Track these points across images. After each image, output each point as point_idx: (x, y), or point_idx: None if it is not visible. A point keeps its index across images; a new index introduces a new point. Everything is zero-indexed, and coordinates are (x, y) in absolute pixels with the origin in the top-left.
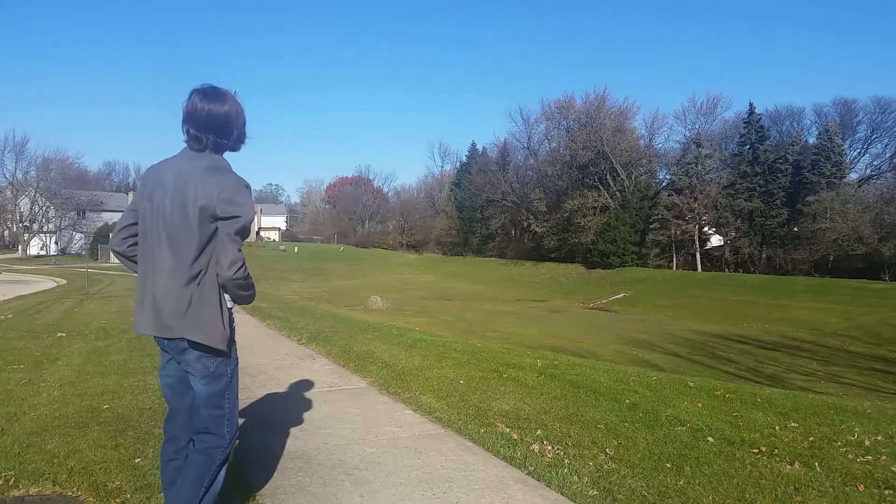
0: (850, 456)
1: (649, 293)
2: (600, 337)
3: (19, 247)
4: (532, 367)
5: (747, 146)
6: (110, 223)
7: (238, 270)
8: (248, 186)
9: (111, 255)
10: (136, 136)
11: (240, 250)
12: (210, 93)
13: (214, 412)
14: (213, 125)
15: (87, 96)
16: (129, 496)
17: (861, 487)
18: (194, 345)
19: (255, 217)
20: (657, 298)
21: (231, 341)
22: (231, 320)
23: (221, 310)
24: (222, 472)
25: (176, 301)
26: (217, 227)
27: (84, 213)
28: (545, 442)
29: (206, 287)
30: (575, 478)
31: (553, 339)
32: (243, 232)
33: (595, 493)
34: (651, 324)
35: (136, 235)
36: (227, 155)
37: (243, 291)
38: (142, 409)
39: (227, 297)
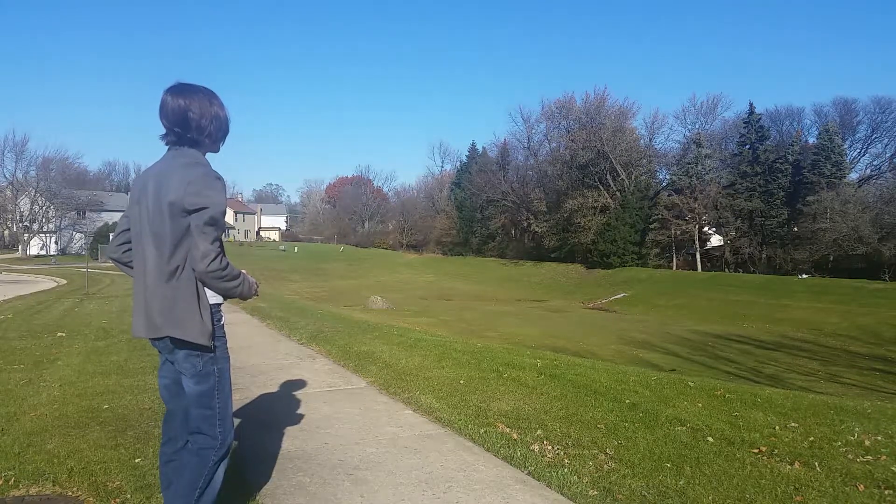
0: (850, 456)
1: (649, 293)
2: (600, 337)
3: (19, 247)
4: (532, 367)
5: (747, 146)
6: (110, 223)
7: (210, 263)
8: (218, 178)
9: None
10: (136, 136)
11: (214, 242)
12: (174, 87)
13: (205, 412)
14: (173, 119)
15: (87, 96)
16: (129, 496)
17: (861, 487)
18: (176, 342)
19: (227, 209)
20: (657, 298)
21: (213, 336)
22: (214, 316)
23: (199, 304)
24: (220, 472)
25: (160, 300)
26: (190, 222)
27: (84, 213)
28: (545, 442)
29: (184, 283)
30: (575, 478)
31: (553, 339)
32: (214, 223)
33: (595, 493)
34: (651, 324)
35: (130, 241)
36: (223, 155)
37: (224, 283)
38: (142, 409)
39: (209, 292)
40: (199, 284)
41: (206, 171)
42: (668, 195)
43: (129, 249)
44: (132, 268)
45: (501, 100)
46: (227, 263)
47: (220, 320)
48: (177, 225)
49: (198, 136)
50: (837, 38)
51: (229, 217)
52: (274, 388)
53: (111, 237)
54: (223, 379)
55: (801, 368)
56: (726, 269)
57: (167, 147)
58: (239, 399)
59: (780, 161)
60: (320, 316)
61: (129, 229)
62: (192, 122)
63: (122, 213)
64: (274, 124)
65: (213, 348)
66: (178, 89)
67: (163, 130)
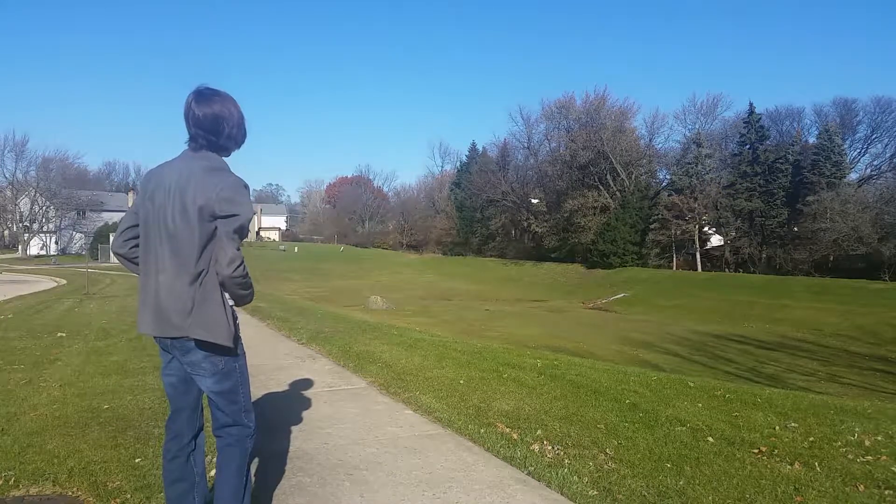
0: (850, 456)
1: (649, 293)
2: (600, 337)
3: (19, 247)
4: (532, 367)
5: (747, 146)
6: (110, 223)
7: (237, 268)
8: (246, 186)
9: (111, 255)
10: (136, 136)
11: (238, 249)
12: (204, 94)
13: (233, 406)
14: (203, 124)
15: (87, 96)
16: (129, 496)
17: (861, 487)
18: (201, 344)
19: (254, 217)
20: (657, 298)
21: (237, 338)
22: (234, 317)
23: (225, 308)
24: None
25: (181, 301)
26: (216, 227)
27: (84, 213)
28: (545, 442)
29: (208, 286)
30: (575, 478)
31: (553, 339)
32: (241, 231)
33: (595, 493)
34: (651, 324)
35: (137, 237)
36: (229, 154)
37: (242, 290)
38: (142, 409)
39: (227, 295)
40: (222, 289)
41: (236, 179)
42: (669, 195)
43: (136, 246)
44: (137, 264)
45: (501, 100)
46: (247, 271)
47: (236, 320)
48: (204, 229)
49: (226, 143)
50: (837, 38)
51: None
52: (274, 388)
53: (115, 233)
54: (244, 374)
55: (801, 368)
56: (726, 269)
57: (187, 147)
58: None
59: (780, 161)
60: (320, 316)
61: (136, 225)
62: (224, 130)
63: (124, 212)
64: (274, 124)
65: (235, 348)
66: (206, 95)
67: (178, 134)
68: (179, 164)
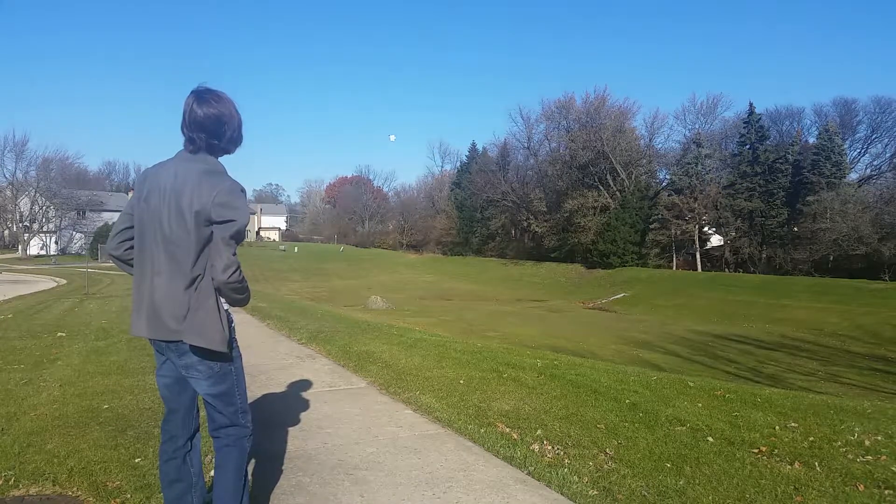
0: (850, 456)
1: (649, 293)
2: (600, 337)
3: (19, 247)
4: (532, 367)
5: (747, 146)
6: (110, 223)
7: (233, 274)
8: (242, 190)
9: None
10: (136, 136)
11: (234, 254)
12: (204, 94)
13: (229, 408)
14: (205, 126)
15: (87, 96)
16: (129, 496)
17: (861, 487)
18: (195, 348)
19: (250, 220)
20: (657, 298)
21: (231, 341)
22: (229, 321)
23: (219, 312)
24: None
25: (176, 305)
26: (212, 231)
27: (84, 213)
28: (545, 442)
29: (203, 291)
30: (575, 478)
31: (553, 339)
32: (238, 236)
33: (595, 493)
34: (651, 324)
35: (132, 239)
36: (227, 155)
37: (238, 295)
38: (142, 409)
39: (221, 299)
40: (217, 293)
41: (232, 183)
42: (668, 195)
43: (132, 247)
44: (132, 266)
45: (501, 100)
46: (243, 276)
47: (231, 323)
48: (200, 234)
49: (227, 146)
50: (837, 38)
51: None
52: (274, 388)
53: (111, 233)
54: (240, 376)
55: (801, 368)
56: (726, 269)
57: (183, 148)
58: None
59: (780, 161)
60: (320, 316)
61: (131, 227)
62: (226, 133)
63: (122, 212)
64: (274, 124)
65: (230, 353)
66: (207, 96)
67: (178, 133)
68: (175, 165)
